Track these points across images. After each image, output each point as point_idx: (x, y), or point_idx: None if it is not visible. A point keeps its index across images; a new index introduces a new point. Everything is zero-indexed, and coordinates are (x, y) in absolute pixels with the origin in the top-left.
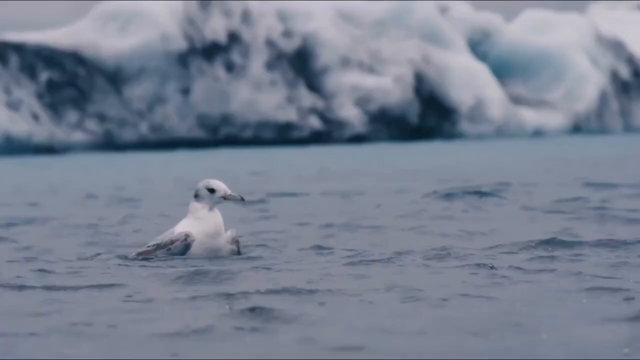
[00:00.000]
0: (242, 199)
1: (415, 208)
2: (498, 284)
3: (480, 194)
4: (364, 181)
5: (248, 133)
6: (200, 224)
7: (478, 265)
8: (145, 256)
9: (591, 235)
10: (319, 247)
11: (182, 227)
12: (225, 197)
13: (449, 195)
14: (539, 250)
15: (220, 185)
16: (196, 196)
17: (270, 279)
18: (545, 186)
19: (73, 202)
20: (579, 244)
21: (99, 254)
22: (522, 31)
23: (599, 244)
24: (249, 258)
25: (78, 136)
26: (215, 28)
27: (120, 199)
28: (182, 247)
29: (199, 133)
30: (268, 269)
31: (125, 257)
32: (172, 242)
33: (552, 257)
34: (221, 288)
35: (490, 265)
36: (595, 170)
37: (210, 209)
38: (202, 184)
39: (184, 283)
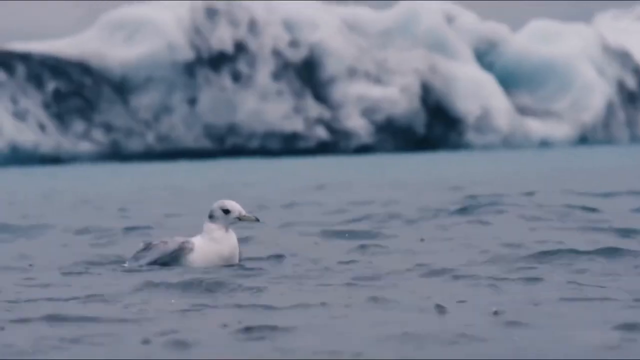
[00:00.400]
0: (257, 220)
1: (412, 219)
2: (487, 293)
3: (480, 205)
4: (364, 192)
5: (254, 143)
6: (216, 245)
7: (469, 276)
8: (142, 255)
9: (586, 245)
10: (311, 260)
11: (186, 237)
12: (240, 218)
13: (448, 206)
14: (532, 260)
15: (234, 206)
16: (211, 217)
17: (262, 289)
18: (545, 197)
19: (69, 211)
20: (574, 253)
21: (92, 263)
22: (529, 41)
23: (593, 253)
24: (241, 269)
25: (84, 146)
26: (222, 38)
27: (118, 209)
28: (178, 249)
29: (205, 143)
30: (260, 280)
31: (121, 265)
32: (169, 244)
33: (545, 267)
34: (215, 300)
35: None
36: (596, 180)
37: (226, 230)
38: (217, 205)
39: (179, 294)
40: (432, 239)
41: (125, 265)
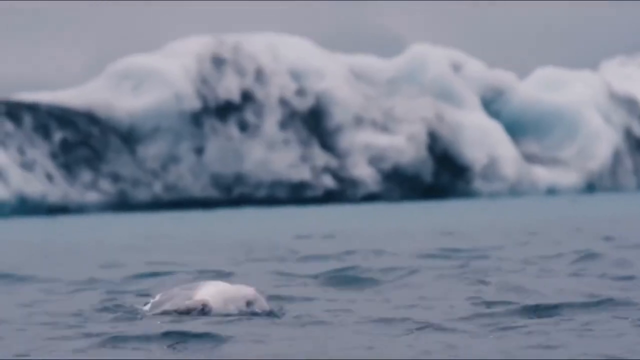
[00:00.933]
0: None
1: (392, 268)
2: (458, 346)
3: (465, 255)
4: (352, 242)
5: (262, 192)
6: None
7: (442, 329)
8: (158, 305)
9: (571, 298)
10: (293, 310)
11: (207, 294)
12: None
13: (432, 257)
14: (515, 313)
15: (263, 306)
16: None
17: (255, 342)
18: (542, 247)
19: (64, 262)
20: (558, 305)
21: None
22: (535, 89)
23: (575, 305)
24: (215, 319)
25: (92, 196)
26: (229, 87)
27: (111, 259)
28: (196, 311)
29: (213, 192)
30: (254, 335)
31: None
32: (188, 310)
33: (526, 320)
34: (204, 355)
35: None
36: (598, 228)
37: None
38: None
39: (160, 346)
40: (417, 291)
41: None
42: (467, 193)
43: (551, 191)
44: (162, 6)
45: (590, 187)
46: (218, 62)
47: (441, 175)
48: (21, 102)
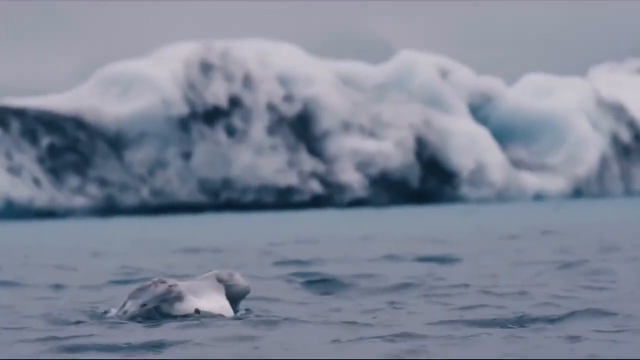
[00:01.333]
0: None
1: (367, 275)
2: (424, 352)
3: (441, 261)
4: (331, 248)
5: (249, 197)
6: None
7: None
8: (140, 290)
9: (546, 305)
10: (267, 312)
11: (183, 283)
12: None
13: (408, 262)
14: (480, 319)
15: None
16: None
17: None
18: (515, 254)
19: (41, 266)
20: (525, 316)
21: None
22: (524, 95)
23: (549, 313)
24: (178, 322)
25: (79, 201)
26: (217, 93)
27: (100, 264)
28: (166, 292)
29: (200, 198)
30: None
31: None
32: (160, 281)
33: (490, 326)
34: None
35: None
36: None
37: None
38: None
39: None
40: (388, 297)
41: (111, 315)
42: (454, 199)
43: (539, 197)
44: (151, 12)
45: (578, 193)
46: (206, 68)
47: (429, 181)
48: (9, 107)
